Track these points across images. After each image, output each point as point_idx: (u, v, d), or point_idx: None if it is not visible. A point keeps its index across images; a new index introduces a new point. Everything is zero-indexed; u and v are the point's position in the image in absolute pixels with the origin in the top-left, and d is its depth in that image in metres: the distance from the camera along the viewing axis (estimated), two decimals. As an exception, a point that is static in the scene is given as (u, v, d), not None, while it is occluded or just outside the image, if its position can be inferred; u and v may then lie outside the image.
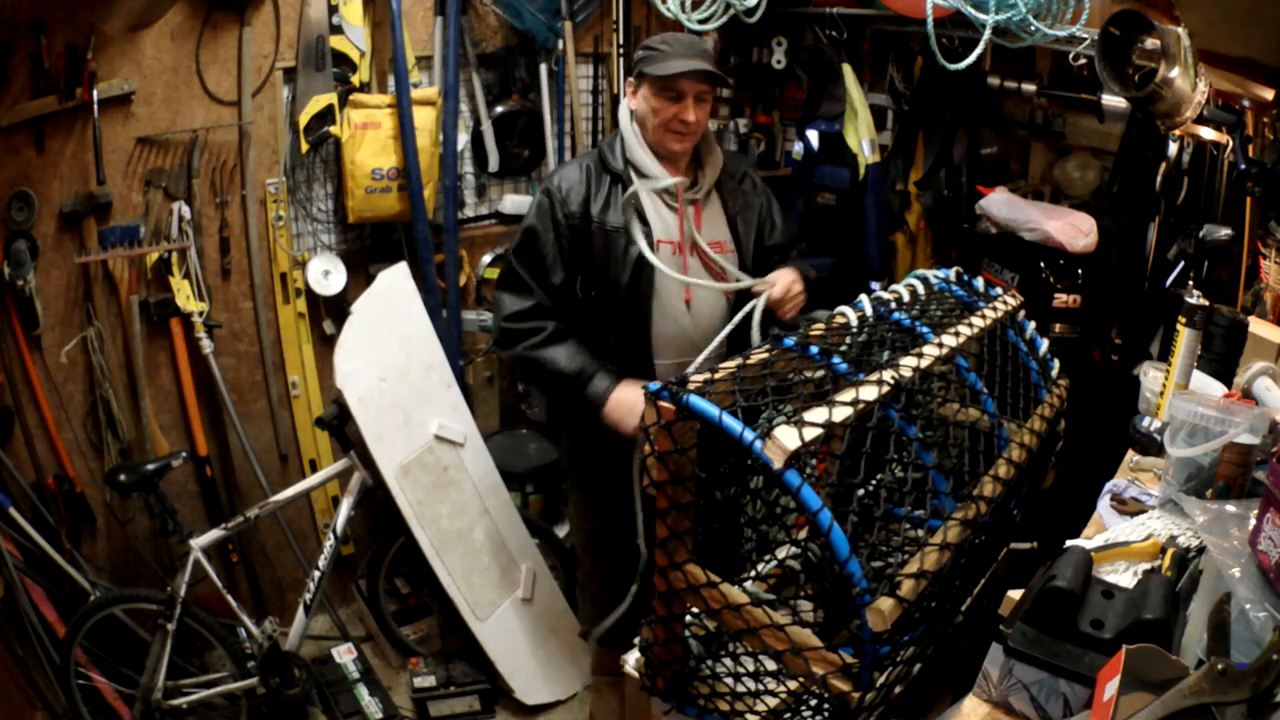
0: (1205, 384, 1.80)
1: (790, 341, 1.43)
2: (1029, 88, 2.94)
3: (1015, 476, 1.47)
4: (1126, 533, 1.42)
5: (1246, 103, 2.11)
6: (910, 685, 1.36)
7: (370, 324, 2.67)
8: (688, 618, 1.41)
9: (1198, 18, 1.97)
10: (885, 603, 1.12)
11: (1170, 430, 1.50)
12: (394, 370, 2.69)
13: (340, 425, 2.60)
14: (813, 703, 1.33)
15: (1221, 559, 1.06)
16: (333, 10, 2.72)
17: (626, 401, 2.06)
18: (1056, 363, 1.83)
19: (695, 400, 1.20)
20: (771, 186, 3.20)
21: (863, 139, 3.11)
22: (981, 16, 2.13)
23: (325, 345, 3.01)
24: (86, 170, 2.51)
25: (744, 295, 2.17)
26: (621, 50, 3.27)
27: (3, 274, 2.41)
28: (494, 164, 3.19)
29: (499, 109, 3.16)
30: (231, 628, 2.59)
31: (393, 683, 2.93)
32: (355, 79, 2.81)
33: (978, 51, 2.16)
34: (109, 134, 2.52)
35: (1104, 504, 1.61)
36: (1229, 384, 1.80)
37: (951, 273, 1.86)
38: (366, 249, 3.07)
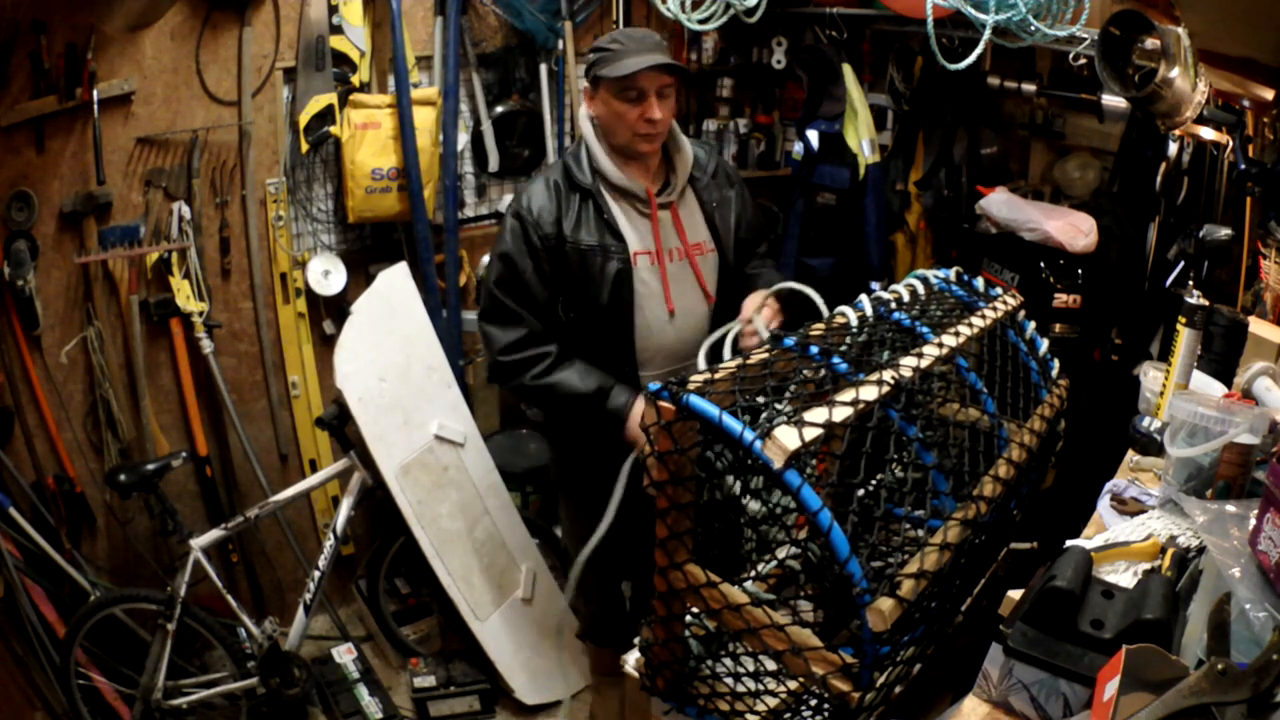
0: (1205, 384, 1.80)
1: (790, 341, 1.42)
2: (1029, 88, 2.95)
3: (1015, 476, 1.47)
4: (1126, 533, 1.42)
5: (1246, 103, 2.11)
6: (910, 685, 1.36)
7: (370, 324, 2.67)
8: (688, 618, 1.41)
9: (1198, 18, 1.97)
10: (885, 603, 1.12)
11: (1170, 430, 1.50)
12: (394, 370, 2.69)
13: (340, 425, 2.60)
14: (813, 703, 1.33)
15: (1221, 559, 1.06)
16: (333, 10, 2.72)
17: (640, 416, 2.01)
18: (1056, 363, 1.83)
19: (695, 400, 1.20)
20: (771, 186, 3.19)
21: (863, 139, 3.11)
22: (981, 16, 2.13)
23: (325, 345, 3.01)
24: (86, 170, 2.51)
25: (724, 300, 2.13)
26: (621, 50, 3.27)
27: (3, 274, 2.41)
28: (494, 164, 3.19)
29: (499, 109, 3.16)
30: (231, 628, 2.59)
31: (393, 683, 2.93)
32: (355, 79, 2.81)
33: (978, 51, 2.16)
34: (109, 134, 2.52)
35: (1104, 504, 1.61)
36: (1229, 384, 1.80)
37: (951, 273, 1.86)
38: (366, 249, 3.07)
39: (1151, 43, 2.13)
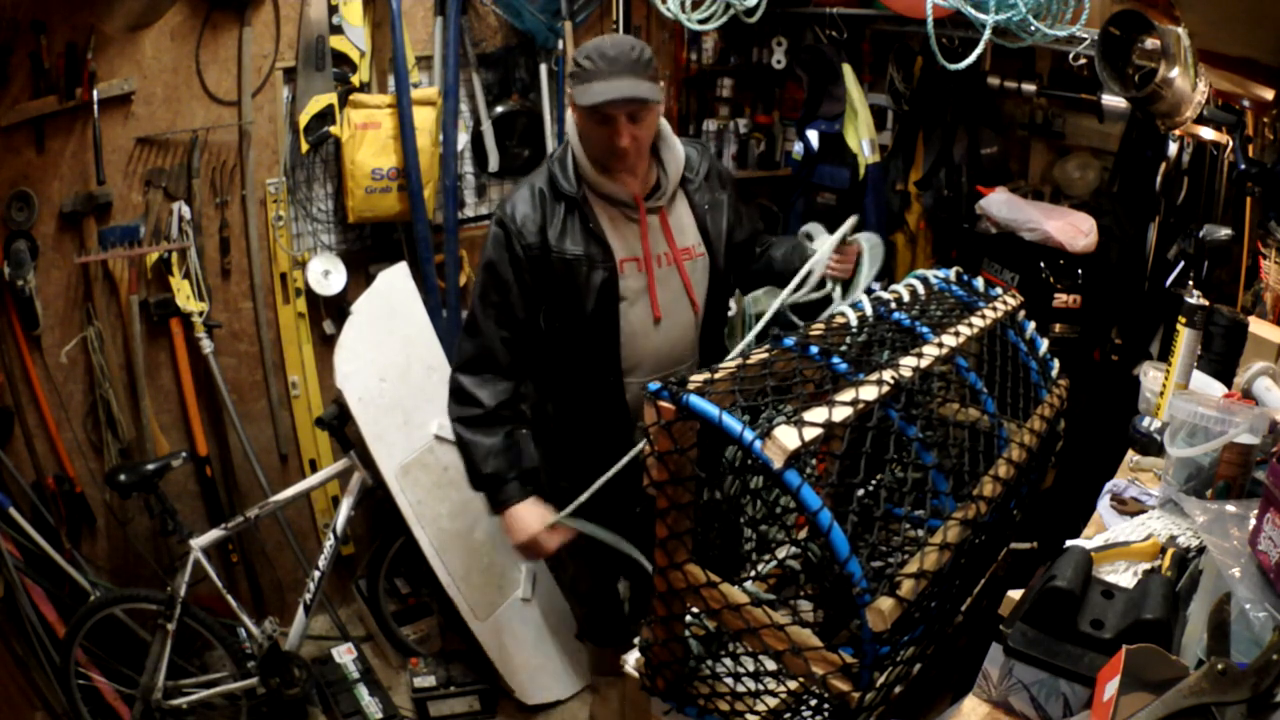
0: (1205, 384, 1.80)
1: (790, 341, 1.42)
2: (1029, 88, 2.94)
3: (1015, 476, 1.47)
4: (1126, 533, 1.42)
5: (1246, 103, 2.11)
6: (910, 685, 1.36)
7: (370, 324, 2.67)
8: (688, 618, 1.41)
9: (1198, 18, 1.97)
10: (885, 603, 1.12)
11: (1170, 430, 1.50)
12: (394, 370, 2.69)
13: (340, 425, 2.60)
14: (813, 703, 1.33)
15: (1221, 559, 1.06)
16: (333, 10, 2.72)
17: (522, 518, 2.01)
18: (1056, 363, 1.83)
19: (695, 400, 1.20)
20: (771, 186, 3.18)
21: (863, 139, 3.11)
22: (981, 16, 2.13)
23: (325, 345, 3.00)
24: (86, 170, 2.51)
25: (713, 305, 2.13)
26: (621, 50, 3.27)
27: (3, 274, 2.41)
28: (494, 164, 3.19)
29: (499, 109, 3.16)
30: (231, 628, 2.59)
31: (393, 683, 2.93)
32: (355, 79, 2.81)
33: (978, 51, 2.16)
34: (109, 134, 2.52)
35: (1104, 504, 1.62)
36: (1229, 384, 1.80)
37: (951, 273, 1.86)
38: (366, 249, 3.07)
39: (1151, 43, 2.13)
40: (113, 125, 2.54)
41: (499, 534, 2.84)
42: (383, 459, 2.60)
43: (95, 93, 2.44)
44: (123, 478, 2.40)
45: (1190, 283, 2.15)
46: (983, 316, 1.66)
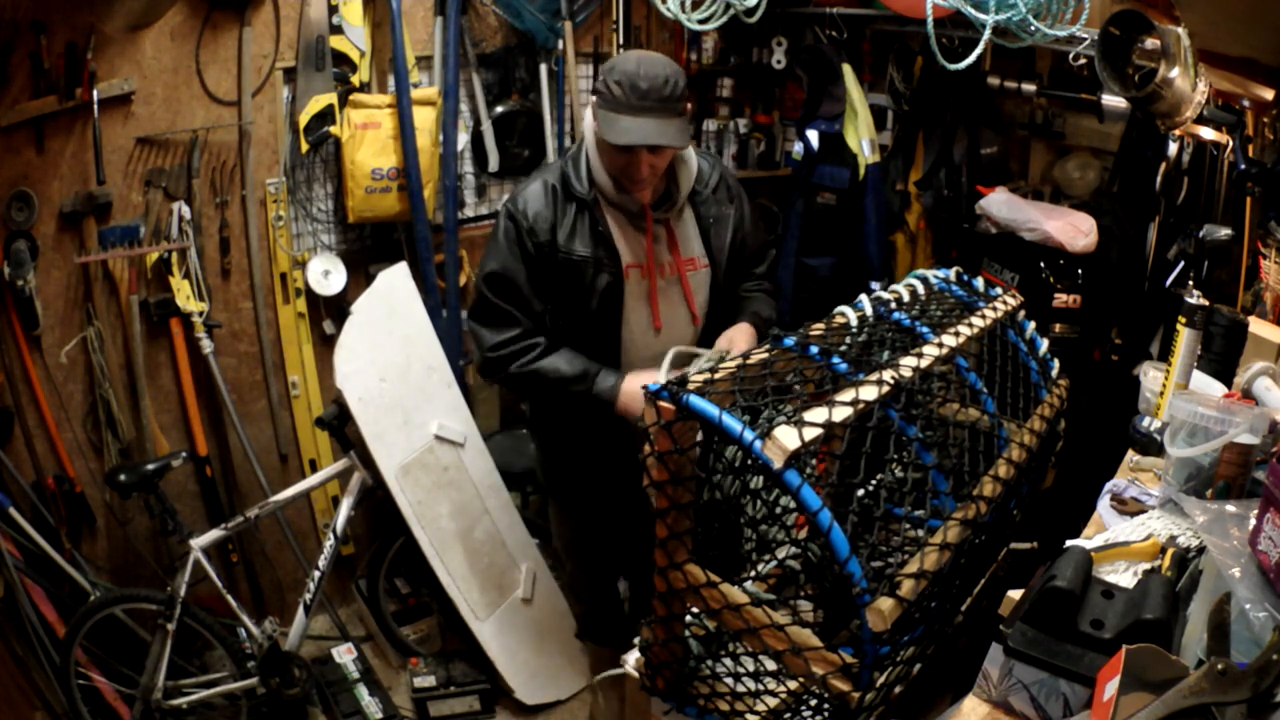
0: (1205, 384, 1.80)
1: (790, 341, 1.42)
2: (1029, 88, 2.95)
3: (1015, 476, 1.47)
4: (1126, 533, 1.42)
5: (1246, 103, 2.11)
6: (910, 685, 1.36)
7: (370, 324, 2.67)
8: (688, 618, 1.41)
9: (1198, 18, 1.97)
10: (885, 603, 1.12)
11: (1170, 430, 1.50)
12: (394, 370, 2.69)
13: (340, 425, 2.60)
14: (813, 703, 1.33)
15: (1221, 559, 1.06)
16: (333, 10, 2.72)
17: (635, 392, 1.99)
18: (1056, 363, 1.83)
19: (695, 400, 1.20)
20: (771, 186, 3.18)
21: (863, 139, 3.11)
22: (981, 16, 2.13)
23: (325, 345, 3.00)
24: (86, 170, 2.51)
25: (713, 316, 2.14)
26: (621, 50, 3.27)
27: (3, 274, 2.41)
28: (494, 164, 3.19)
29: (499, 109, 3.16)
30: (231, 628, 2.59)
31: (393, 683, 2.93)
32: (355, 79, 2.81)
33: (978, 51, 2.16)
34: (109, 134, 2.52)
35: (1104, 504, 1.62)
36: (1229, 384, 1.80)
37: (951, 273, 1.86)
38: (366, 249, 3.07)
39: (1151, 43, 2.13)
40: (113, 125, 2.53)
41: (499, 534, 2.85)
42: (383, 459, 2.60)
43: (95, 93, 2.43)
44: (123, 478, 2.40)
45: (1190, 283, 2.15)
46: (983, 316, 1.66)
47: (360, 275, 3.00)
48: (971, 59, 2.18)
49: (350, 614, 3.17)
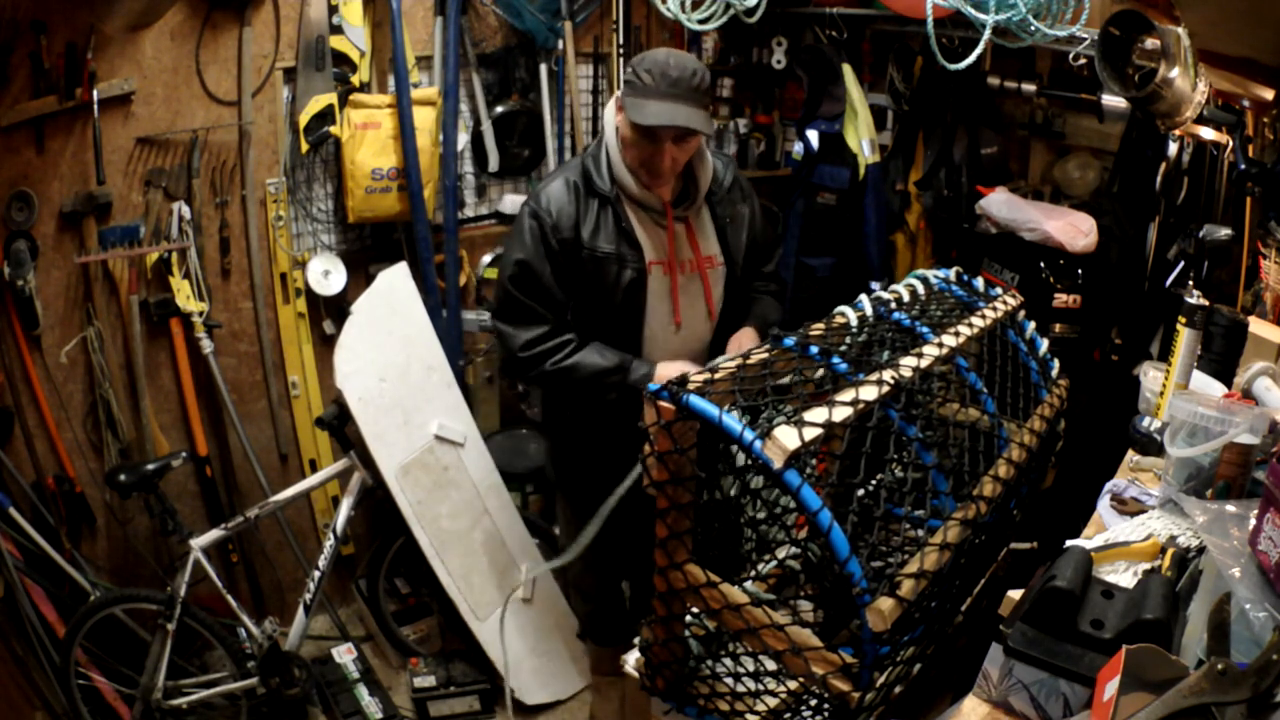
0: (1205, 384, 1.80)
1: (790, 341, 1.42)
2: (1029, 88, 2.95)
3: (1015, 476, 1.47)
4: (1126, 533, 1.42)
5: (1246, 103, 2.11)
6: (910, 685, 1.36)
7: (370, 324, 2.67)
8: (688, 618, 1.41)
9: (1198, 18, 1.97)
10: (885, 603, 1.12)
11: (1170, 430, 1.50)
12: (394, 370, 2.69)
13: (340, 425, 2.60)
14: (813, 703, 1.33)
15: (1221, 559, 1.06)
16: (333, 10, 2.72)
17: (672, 376, 2.03)
18: (1056, 363, 1.83)
19: (695, 400, 1.21)
20: (771, 186, 3.19)
21: (863, 139, 3.11)
22: (981, 16, 2.13)
23: (325, 345, 3.00)
24: (86, 170, 2.51)
25: (728, 314, 2.16)
26: (621, 50, 3.27)
27: (3, 274, 2.41)
28: (494, 164, 3.19)
29: (499, 109, 3.16)
30: (231, 628, 2.59)
31: (393, 683, 2.93)
32: (355, 79, 2.81)
33: (978, 51, 2.16)
34: (109, 134, 2.52)
35: (1104, 504, 1.62)
36: (1229, 384, 1.80)
37: (951, 273, 1.86)
38: (366, 249, 3.07)
39: (1151, 43, 2.13)
40: (113, 125, 2.53)
41: (499, 534, 2.85)
42: (383, 459, 2.60)
43: (95, 93, 2.43)
44: (123, 478, 2.40)
45: (1190, 283, 2.15)
46: (983, 316, 1.66)
47: (360, 275, 3.00)
48: (971, 59, 2.18)
49: (350, 614, 3.17)
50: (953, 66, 2.24)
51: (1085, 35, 2.26)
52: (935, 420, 1.49)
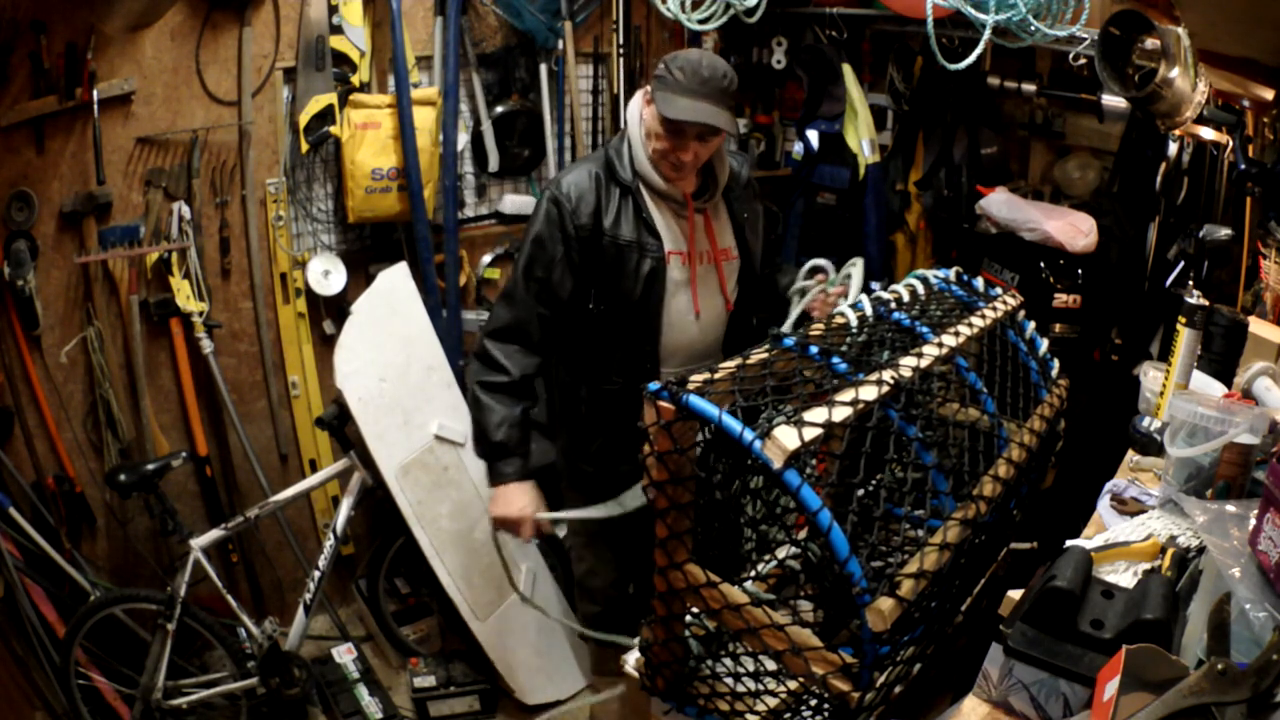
0: (1205, 384, 1.80)
1: (790, 341, 1.42)
2: (1029, 88, 2.95)
3: (1015, 476, 1.47)
4: (1126, 533, 1.42)
5: (1246, 103, 2.11)
6: (910, 685, 1.36)
7: (370, 324, 2.67)
8: (688, 618, 1.41)
9: (1198, 18, 1.97)
10: (885, 603, 1.12)
11: (1170, 430, 1.50)
12: (394, 370, 2.69)
13: (340, 425, 2.60)
14: (813, 703, 1.33)
15: (1221, 559, 1.06)
16: (333, 10, 2.72)
17: (512, 497, 2.06)
18: (1056, 363, 1.83)
19: (695, 400, 1.20)
20: (771, 186, 3.20)
21: (863, 139, 3.11)
22: (981, 16, 2.13)
23: (325, 345, 3.00)
24: (86, 170, 2.51)
25: (741, 305, 2.20)
26: (621, 50, 3.27)
27: (3, 274, 2.41)
28: (494, 164, 3.19)
29: (499, 109, 3.16)
30: (231, 628, 2.59)
31: (393, 683, 2.93)
32: (355, 79, 2.81)
33: (978, 51, 2.16)
34: (109, 134, 2.52)
35: (1104, 504, 1.62)
36: (1229, 384, 1.80)
37: (951, 273, 1.86)
38: (366, 249, 3.07)
39: (1151, 43, 2.13)
40: (113, 125, 2.53)
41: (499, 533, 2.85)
42: (383, 459, 2.60)
43: (95, 93, 2.43)
44: (123, 478, 2.40)
45: (1190, 283, 2.15)
46: (983, 316, 1.66)
47: (360, 275, 3.00)
48: (971, 59, 2.18)
49: (350, 614, 3.17)
50: (953, 66, 2.24)
51: (1085, 35, 2.26)
52: (935, 420, 1.49)
